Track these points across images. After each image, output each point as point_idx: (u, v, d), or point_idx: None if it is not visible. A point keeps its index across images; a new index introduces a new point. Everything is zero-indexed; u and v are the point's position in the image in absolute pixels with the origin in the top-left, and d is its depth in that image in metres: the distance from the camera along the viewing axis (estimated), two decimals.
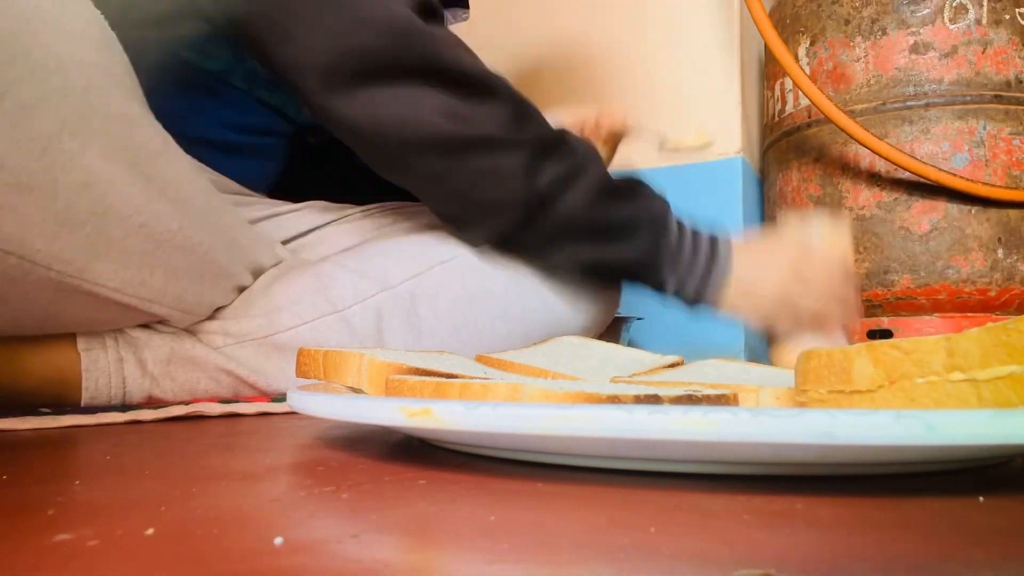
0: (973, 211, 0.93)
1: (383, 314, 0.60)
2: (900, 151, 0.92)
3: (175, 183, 0.47)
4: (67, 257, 0.42)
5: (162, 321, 0.52)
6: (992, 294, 0.93)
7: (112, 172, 0.42)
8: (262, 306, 0.57)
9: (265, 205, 0.72)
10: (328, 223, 0.73)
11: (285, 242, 0.70)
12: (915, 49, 0.97)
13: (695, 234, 0.63)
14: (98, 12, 0.42)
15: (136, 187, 0.44)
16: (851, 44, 1.01)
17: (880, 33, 0.99)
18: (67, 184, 0.40)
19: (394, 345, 0.60)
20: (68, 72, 0.38)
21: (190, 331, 0.55)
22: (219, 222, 0.52)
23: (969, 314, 0.95)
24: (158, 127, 0.47)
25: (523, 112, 0.57)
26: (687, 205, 1.09)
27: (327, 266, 0.62)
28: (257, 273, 0.59)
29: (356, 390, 0.34)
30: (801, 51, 1.07)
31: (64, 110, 0.39)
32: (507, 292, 0.64)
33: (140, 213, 0.44)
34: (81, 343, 0.50)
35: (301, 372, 0.38)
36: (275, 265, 0.61)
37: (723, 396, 0.29)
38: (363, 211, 0.75)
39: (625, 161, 0.74)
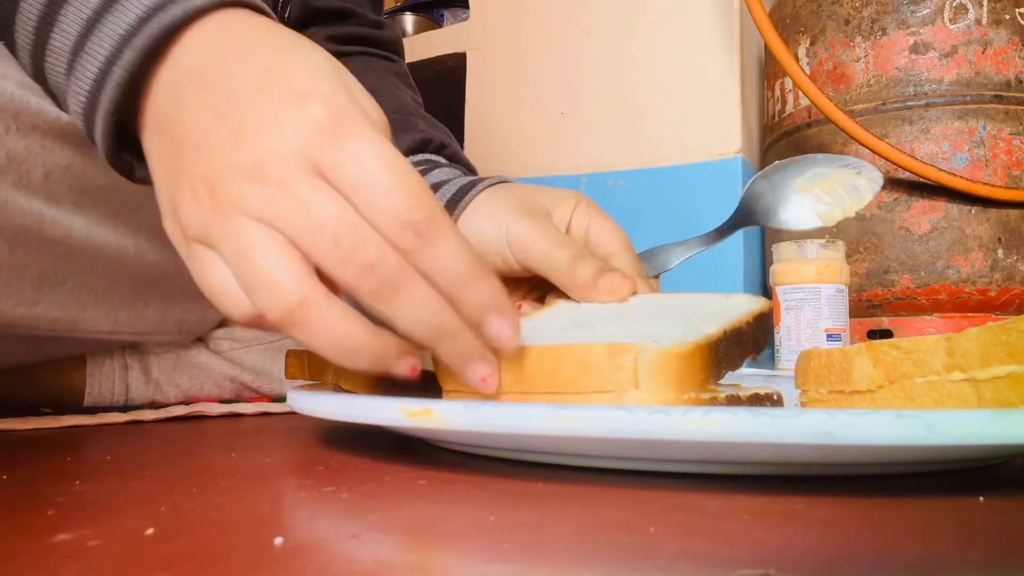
0: (973, 211, 0.93)
1: None
2: (900, 151, 0.92)
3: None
4: (53, 316, 0.39)
5: None
6: (992, 294, 0.93)
7: (97, 237, 0.40)
8: None
9: None
10: None
11: None
12: (915, 49, 0.97)
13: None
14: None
15: (124, 244, 0.41)
16: (851, 44, 1.01)
17: (880, 33, 0.99)
18: (43, 260, 0.37)
19: None
20: (24, 165, 0.35)
21: (198, 336, 0.55)
22: None
23: (969, 314, 0.95)
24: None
25: None
26: (687, 205, 1.09)
27: None
28: None
29: (340, 388, 0.34)
30: (801, 51, 1.07)
31: (36, 204, 0.35)
32: None
33: (127, 266, 0.42)
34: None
35: (289, 374, 0.38)
36: None
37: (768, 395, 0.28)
38: None
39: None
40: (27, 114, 0.35)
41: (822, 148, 1.04)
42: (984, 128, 0.94)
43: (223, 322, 0.56)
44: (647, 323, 0.30)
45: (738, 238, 1.08)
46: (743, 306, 0.31)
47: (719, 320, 0.28)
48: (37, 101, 0.35)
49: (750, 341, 0.27)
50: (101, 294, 0.42)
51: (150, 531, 0.18)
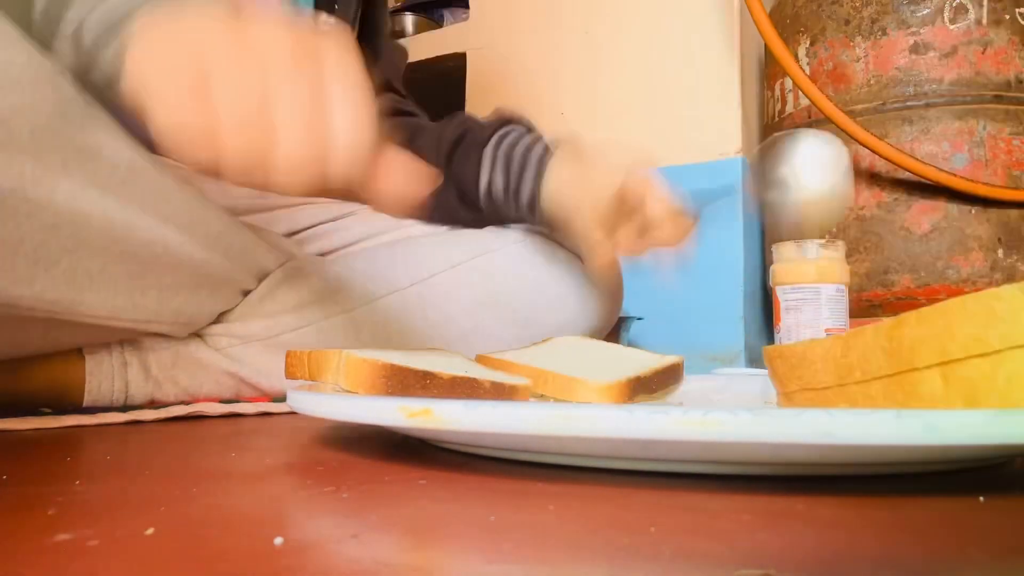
0: (973, 211, 0.93)
1: (391, 316, 0.60)
2: (900, 151, 0.92)
3: (154, 203, 0.44)
4: (51, 297, 0.40)
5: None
6: None
7: (84, 207, 0.40)
8: (268, 309, 0.57)
9: (278, 196, 0.71)
10: (341, 216, 0.73)
11: (294, 233, 0.70)
12: (915, 49, 0.97)
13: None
14: (35, 54, 0.37)
15: (111, 216, 0.42)
16: (851, 44, 1.01)
17: (880, 33, 0.99)
18: (32, 228, 0.38)
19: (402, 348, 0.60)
20: (10, 123, 0.35)
21: (196, 333, 0.55)
22: (210, 231, 0.50)
23: None
24: (131, 149, 0.43)
25: None
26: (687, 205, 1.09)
27: (335, 268, 0.61)
28: (262, 276, 0.58)
29: (340, 388, 0.35)
30: (801, 51, 1.07)
31: (17, 163, 0.36)
32: (517, 297, 0.63)
33: (119, 242, 0.43)
34: (86, 346, 0.50)
35: (289, 374, 0.38)
36: (280, 266, 0.61)
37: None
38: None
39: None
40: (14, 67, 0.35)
41: None
42: (984, 128, 0.94)
43: (220, 318, 0.56)
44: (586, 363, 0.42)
45: (738, 238, 1.08)
46: (652, 361, 0.42)
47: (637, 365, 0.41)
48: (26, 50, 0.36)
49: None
50: (97, 277, 0.43)
51: (150, 531, 0.18)
